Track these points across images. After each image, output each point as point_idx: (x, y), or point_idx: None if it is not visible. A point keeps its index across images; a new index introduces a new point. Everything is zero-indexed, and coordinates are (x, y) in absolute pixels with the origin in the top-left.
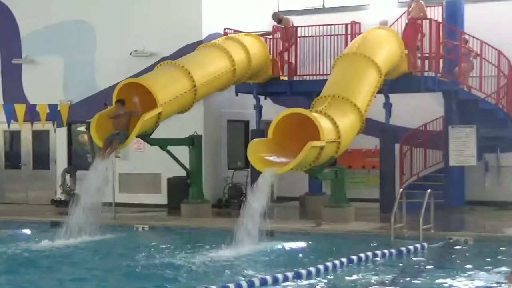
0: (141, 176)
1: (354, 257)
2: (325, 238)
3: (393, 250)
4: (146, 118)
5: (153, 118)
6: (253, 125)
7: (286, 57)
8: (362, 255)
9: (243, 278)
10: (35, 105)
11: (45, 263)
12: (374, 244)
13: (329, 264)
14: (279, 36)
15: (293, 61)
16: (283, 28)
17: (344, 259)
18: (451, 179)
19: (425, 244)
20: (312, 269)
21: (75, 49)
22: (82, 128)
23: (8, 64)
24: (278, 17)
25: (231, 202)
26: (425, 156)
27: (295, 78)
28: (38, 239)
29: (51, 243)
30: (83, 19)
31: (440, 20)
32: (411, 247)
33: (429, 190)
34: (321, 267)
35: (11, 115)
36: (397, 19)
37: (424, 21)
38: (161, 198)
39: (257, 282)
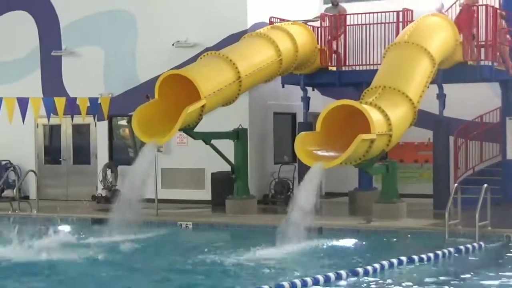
0: (184, 171)
1: (415, 257)
2: (375, 235)
3: (451, 249)
4: (190, 111)
5: (196, 111)
6: (300, 118)
7: (334, 46)
8: (424, 256)
9: (292, 278)
10: (75, 98)
11: (87, 261)
12: (427, 242)
13: (385, 263)
14: (327, 25)
15: (342, 51)
16: (332, 16)
17: (404, 258)
18: (509, 173)
19: (482, 243)
20: (369, 268)
21: (116, 40)
22: (123, 122)
23: (48, 56)
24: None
25: (278, 198)
26: (481, 149)
27: (344, 68)
28: (79, 236)
29: (93, 240)
30: (124, 8)
31: (496, 5)
32: (469, 246)
33: (485, 185)
34: (377, 265)
35: (50, 109)
36: (451, 6)
37: (479, 7)
38: (205, 194)
39: (309, 282)
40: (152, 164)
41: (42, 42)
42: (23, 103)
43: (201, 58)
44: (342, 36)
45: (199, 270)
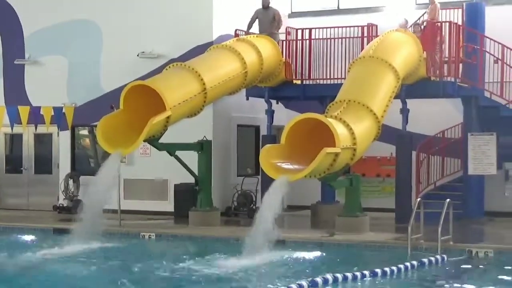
0: (147, 182)
1: (378, 270)
2: (338, 248)
3: (414, 263)
4: (155, 122)
5: (161, 122)
6: (264, 131)
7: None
8: (387, 269)
9: None
10: (39, 108)
11: (48, 272)
12: (390, 256)
13: (347, 275)
14: (293, 38)
15: (307, 64)
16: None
17: (366, 272)
18: (470, 188)
19: (445, 256)
20: (329, 276)
21: (80, 50)
22: (84, 132)
23: (11, 65)
24: (267, 2)
25: (240, 210)
26: (443, 164)
27: (308, 81)
28: (40, 246)
29: (54, 250)
30: (89, 18)
31: (459, 23)
32: (432, 258)
33: (448, 200)
34: (339, 276)
35: (14, 118)
36: (415, 21)
37: (443, 24)
38: (168, 205)
39: None
40: (115, 175)
41: (4, 51)
42: None
43: (166, 69)
44: (308, 49)
45: (160, 281)
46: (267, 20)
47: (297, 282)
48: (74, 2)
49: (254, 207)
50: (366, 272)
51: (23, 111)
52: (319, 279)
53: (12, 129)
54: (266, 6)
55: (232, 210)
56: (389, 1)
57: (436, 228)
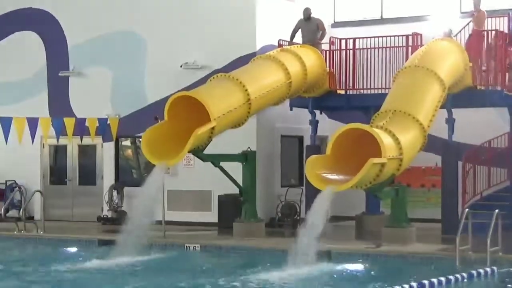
0: (191, 193)
1: (426, 282)
2: (385, 259)
3: (463, 274)
4: (199, 133)
5: (206, 133)
6: (307, 141)
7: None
8: (434, 280)
9: None
10: (84, 119)
11: (93, 284)
12: (438, 267)
13: None
14: (337, 48)
15: (351, 74)
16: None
17: (414, 283)
18: None
19: (494, 268)
20: None
21: (124, 61)
22: (127, 143)
23: (55, 77)
24: (308, 13)
25: (284, 221)
26: (489, 174)
27: (352, 92)
28: (85, 258)
29: (100, 262)
30: (133, 30)
31: (506, 31)
32: (481, 270)
33: (496, 210)
34: None
35: (60, 130)
36: (460, 30)
37: (489, 32)
38: (211, 216)
39: None
40: (160, 186)
41: (49, 63)
42: (32, 123)
43: (210, 80)
44: (352, 59)
45: None
46: (310, 30)
47: None
48: (118, 13)
49: (298, 218)
50: (414, 284)
51: (69, 122)
52: None
53: (57, 140)
54: (308, 17)
55: (276, 221)
56: (434, 10)
57: (484, 239)
